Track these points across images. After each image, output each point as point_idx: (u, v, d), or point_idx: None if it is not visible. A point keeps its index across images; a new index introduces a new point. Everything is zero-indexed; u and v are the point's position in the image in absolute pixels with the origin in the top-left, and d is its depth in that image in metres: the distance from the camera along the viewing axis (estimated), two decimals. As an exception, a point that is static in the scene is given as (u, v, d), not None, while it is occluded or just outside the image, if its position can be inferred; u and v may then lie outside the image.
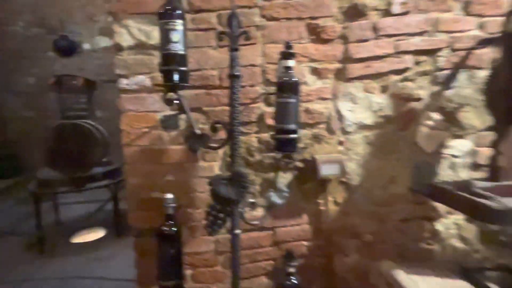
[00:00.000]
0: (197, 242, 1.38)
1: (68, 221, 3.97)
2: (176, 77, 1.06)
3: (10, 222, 3.93)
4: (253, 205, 1.13)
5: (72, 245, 3.42)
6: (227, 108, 1.21)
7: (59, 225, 3.82)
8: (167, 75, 1.07)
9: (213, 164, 1.34)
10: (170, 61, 1.05)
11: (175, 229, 1.20)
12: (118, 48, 1.32)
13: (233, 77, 1.06)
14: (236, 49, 1.05)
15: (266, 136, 1.33)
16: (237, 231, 1.08)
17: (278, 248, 1.41)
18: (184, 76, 1.08)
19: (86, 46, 5.23)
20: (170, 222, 1.20)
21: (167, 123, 1.28)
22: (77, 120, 3.54)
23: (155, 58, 1.29)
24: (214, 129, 1.11)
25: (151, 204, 1.32)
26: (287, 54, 1.08)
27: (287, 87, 1.08)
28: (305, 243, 1.41)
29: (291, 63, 1.08)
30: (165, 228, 1.19)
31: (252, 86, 1.32)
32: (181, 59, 1.06)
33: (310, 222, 1.40)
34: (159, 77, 1.25)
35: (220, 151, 1.31)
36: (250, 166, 1.33)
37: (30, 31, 5.04)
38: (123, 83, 1.33)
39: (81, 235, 3.68)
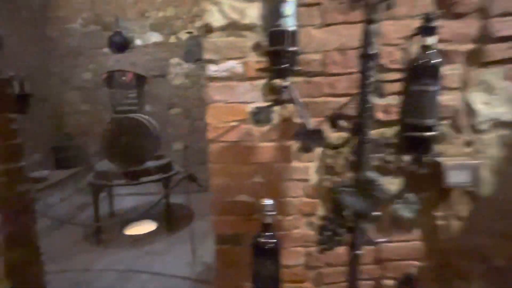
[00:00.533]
0: (285, 254, 1.20)
1: (121, 212, 4.04)
2: (285, 60, 0.87)
3: (69, 211, 4.08)
4: (377, 219, 0.91)
5: (125, 237, 3.44)
6: (329, 99, 1.00)
7: (113, 216, 3.89)
8: (275, 57, 0.88)
9: (308, 166, 1.14)
10: (280, 40, 0.86)
11: (275, 241, 1.02)
12: (208, 29, 1.15)
13: (367, 57, 0.84)
14: (373, 21, 0.83)
15: (375, 133, 1.10)
16: (359, 251, 0.87)
17: (381, 267, 1.19)
18: (295, 58, 0.89)
19: (138, 42, 5.30)
20: (269, 233, 1.01)
21: (259, 116, 1.10)
22: (133, 114, 3.55)
23: (249, 41, 1.11)
24: (333, 124, 0.91)
25: (236, 208, 1.16)
26: (427, 29, 0.84)
27: (425, 72, 0.84)
28: (416, 263, 1.18)
29: (431, 40, 0.85)
30: (264, 240, 1.01)
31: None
32: (293, 38, 0.87)
33: (424, 238, 1.16)
34: (252, 62, 1.06)
35: (317, 150, 1.11)
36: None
37: (88, 28, 5.21)
38: (212, 69, 1.16)
39: (134, 227, 3.71)
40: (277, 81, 0.90)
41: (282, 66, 0.87)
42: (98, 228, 3.17)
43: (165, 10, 5.26)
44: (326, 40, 1.07)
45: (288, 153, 1.11)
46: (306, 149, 0.88)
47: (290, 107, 1.07)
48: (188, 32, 5.28)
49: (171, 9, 5.25)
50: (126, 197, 4.42)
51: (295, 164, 1.16)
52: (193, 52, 5.32)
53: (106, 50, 5.25)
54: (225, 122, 1.15)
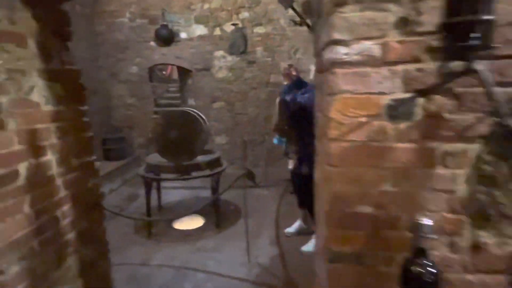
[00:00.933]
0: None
1: (168, 206, 4.05)
2: (474, 34, 0.65)
3: (119, 203, 4.16)
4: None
5: (175, 231, 3.43)
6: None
7: (161, 209, 3.90)
8: (461, 30, 0.67)
9: (457, 173, 0.91)
10: (469, 6, 0.64)
11: (436, 272, 0.79)
12: (340, 1, 0.92)
13: None
14: None
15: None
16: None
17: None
18: (490, 31, 0.67)
19: (183, 35, 5.28)
20: (427, 261, 0.80)
21: (397, 111, 0.88)
22: (186, 108, 3.49)
23: (391, 16, 0.87)
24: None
25: (358, 222, 0.96)
26: None
27: None
28: None
29: None
30: (421, 270, 0.79)
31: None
32: (487, 3, 0.65)
33: None
34: (393, 43, 0.85)
35: (471, 153, 0.87)
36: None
37: (135, 22, 5.26)
38: (341, 52, 0.92)
39: (182, 222, 3.70)
40: (456, 64, 0.68)
41: (469, 42, 0.65)
42: (149, 222, 3.16)
43: (210, 2, 5.17)
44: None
45: (431, 157, 0.88)
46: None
47: (439, 99, 0.85)
48: (233, 24, 5.16)
49: (216, 1, 5.15)
50: (172, 191, 4.43)
51: (440, 170, 0.92)
52: (237, 44, 5.20)
53: (152, 43, 5.29)
54: (353, 117, 0.93)
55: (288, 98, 2.44)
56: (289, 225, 3.10)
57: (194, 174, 3.17)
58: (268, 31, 5.18)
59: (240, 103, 5.39)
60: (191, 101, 5.63)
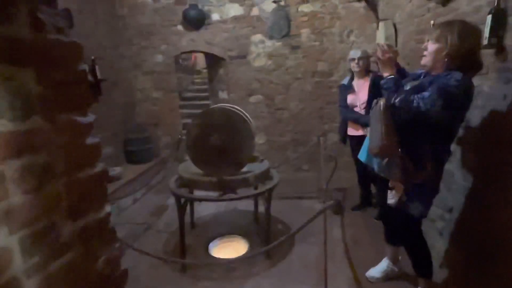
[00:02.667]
0: None
1: (203, 222, 3.36)
2: None
3: (145, 217, 3.51)
4: None
5: (214, 260, 2.74)
6: None
7: (194, 227, 3.21)
8: None
9: None
10: None
11: None
12: None
13: None
14: None
15: None
16: None
17: None
18: None
19: (215, 16, 4.51)
20: None
21: None
22: (228, 105, 2.74)
23: None
24: None
25: None
26: None
27: None
28: None
29: None
30: None
31: None
32: None
33: None
34: None
35: None
36: None
37: (160, 2, 4.53)
38: None
39: (221, 245, 3.00)
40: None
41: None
42: (185, 264, 2.45)
43: (247, -24, 4.36)
44: None
45: None
46: None
47: None
48: (274, 2, 4.33)
49: (254, -26, 4.34)
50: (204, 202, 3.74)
51: None
52: (279, 26, 4.37)
53: (179, 27, 4.57)
54: None
55: (397, 99, 1.55)
56: (369, 263, 2.31)
57: (240, 192, 2.43)
58: (315, 9, 4.32)
59: (281, 97, 4.59)
60: (222, 94, 4.89)
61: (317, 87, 4.48)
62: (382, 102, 1.62)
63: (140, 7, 4.55)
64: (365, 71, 3.01)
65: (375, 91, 2.85)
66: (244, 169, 2.59)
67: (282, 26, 4.35)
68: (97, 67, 3.70)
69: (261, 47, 4.49)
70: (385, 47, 1.67)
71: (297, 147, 4.66)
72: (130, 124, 4.65)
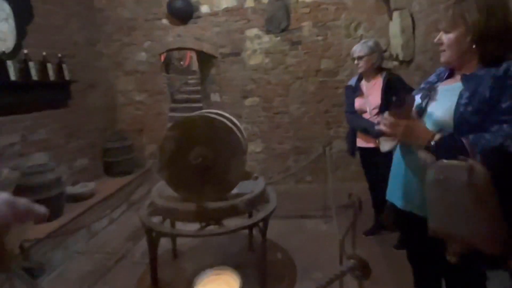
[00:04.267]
0: None
1: (186, 249, 2.83)
2: None
3: (120, 242, 2.99)
4: None
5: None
6: None
7: (177, 257, 2.69)
8: None
9: None
10: None
11: None
12: None
13: None
14: None
15: None
16: None
17: None
18: None
19: (205, 8, 3.99)
20: None
21: None
22: (213, 113, 2.21)
23: None
24: None
25: None
26: None
27: None
28: None
29: None
30: None
31: None
32: None
33: None
34: None
35: None
36: None
37: (142, -7, 4.01)
38: None
39: (208, 280, 2.47)
40: None
41: None
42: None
43: (240, -38, 3.84)
44: None
45: None
46: None
47: None
48: (272, -9, 3.80)
49: (248, -41, 3.82)
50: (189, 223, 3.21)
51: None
52: (277, 19, 3.85)
53: (164, 21, 4.04)
54: None
55: (486, 157, 0.90)
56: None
57: (227, 224, 1.90)
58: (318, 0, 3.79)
59: (280, 99, 4.06)
60: (214, 97, 4.36)
61: (321, 87, 3.95)
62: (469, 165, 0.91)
63: (120, -2, 4.02)
64: (375, 69, 2.46)
65: (389, 94, 2.33)
66: (234, 190, 2.07)
67: (281, 18, 3.83)
68: (64, 66, 3.18)
69: (257, 42, 3.96)
70: (390, 119, 1.11)
71: (298, 155, 4.13)
72: (110, 131, 4.12)
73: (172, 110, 6.59)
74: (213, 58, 4.14)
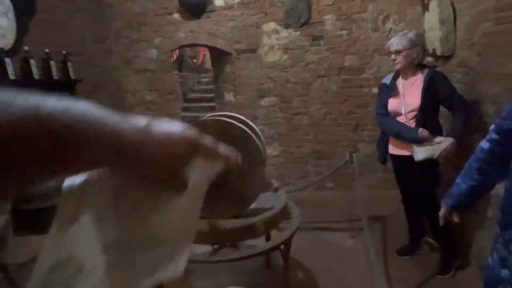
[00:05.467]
0: None
1: (197, 269, 2.58)
2: None
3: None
4: None
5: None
6: None
7: (188, 276, 2.44)
8: None
9: None
10: None
11: None
12: None
13: None
14: None
15: None
16: None
17: None
18: None
19: (219, 1, 3.71)
20: None
21: None
22: (223, 116, 1.93)
23: None
24: None
25: None
26: None
27: None
28: None
29: None
30: None
31: None
32: None
33: None
34: None
35: None
36: None
37: (153, -13, 3.77)
38: None
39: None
40: None
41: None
42: None
43: (257, -50, 3.55)
44: None
45: None
46: None
47: None
48: (292, -19, 3.49)
49: None
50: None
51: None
52: (297, 12, 3.53)
53: (176, 16, 3.79)
54: None
55: None
56: None
57: (246, 250, 1.62)
58: (343, -10, 3.46)
59: (299, 99, 3.75)
60: (229, 96, 4.09)
61: (344, 86, 3.62)
62: None
63: (130, -8, 3.80)
64: (415, 66, 2.12)
65: (431, 95, 2.02)
66: (252, 205, 1.79)
67: (301, 11, 3.51)
68: (69, 64, 2.97)
69: (275, 38, 3.66)
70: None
71: (318, 160, 3.81)
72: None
73: (185, 109, 6.39)
74: (227, 55, 3.86)
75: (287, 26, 3.60)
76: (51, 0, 2.96)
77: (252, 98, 3.85)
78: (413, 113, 2.11)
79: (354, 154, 2.73)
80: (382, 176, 3.69)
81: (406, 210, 2.44)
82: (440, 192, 2.50)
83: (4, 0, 2.48)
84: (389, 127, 2.22)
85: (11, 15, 2.53)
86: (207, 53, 7.40)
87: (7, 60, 2.39)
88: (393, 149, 2.28)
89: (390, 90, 2.21)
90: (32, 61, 2.59)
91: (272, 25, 3.64)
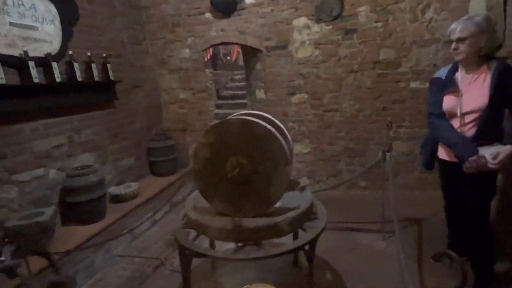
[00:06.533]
0: None
1: (224, 265, 2.63)
2: None
3: (160, 247, 2.91)
4: None
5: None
6: None
7: (215, 270, 2.50)
8: None
9: None
10: None
11: None
12: None
13: None
14: None
15: None
16: None
17: None
18: None
19: (249, -1, 3.71)
20: None
21: None
22: (248, 115, 1.94)
23: None
24: None
25: None
26: None
27: None
28: None
29: None
30: None
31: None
32: None
33: None
34: None
35: None
36: None
37: (186, -13, 3.87)
38: None
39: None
40: None
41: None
42: None
43: None
44: None
45: None
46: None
47: None
48: (323, -26, 3.38)
49: None
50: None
51: None
52: (329, 5, 3.43)
53: (207, 15, 3.86)
54: None
55: None
56: None
57: (270, 250, 1.62)
58: (378, -21, 3.29)
59: (331, 95, 3.65)
60: (260, 93, 4.10)
61: (379, 81, 3.45)
62: None
63: (164, -6, 3.94)
64: (480, 58, 1.74)
65: (500, 94, 1.66)
66: (277, 203, 1.79)
67: (333, 4, 3.40)
68: (109, 65, 3.16)
69: (306, 33, 3.59)
70: None
71: (351, 158, 3.69)
72: (155, 130, 4.11)
73: (218, 106, 6.51)
74: (257, 52, 3.86)
75: (318, 21, 3.50)
76: (92, 7, 3.16)
77: (283, 95, 3.82)
78: (472, 116, 1.73)
79: (387, 153, 2.59)
80: (420, 176, 3.48)
81: (447, 216, 2.25)
82: (496, 206, 2.24)
83: (51, 9, 2.69)
84: (443, 134, 1.85)
85: (57, 22, 2.75)
86: (241, 50, 7.46)
87: (54, 64, 2.60)
88: (444, 154, 1.95)
89: (446, 86, 1.83)
90: (75, 64, 2.79)
91: (303, 20, 3.56)
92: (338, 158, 3.74)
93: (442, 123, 1.85)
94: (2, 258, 2.02)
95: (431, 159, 2.03)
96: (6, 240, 1.92)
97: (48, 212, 2.32)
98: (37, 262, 1.91)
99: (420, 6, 3.22)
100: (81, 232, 2.58)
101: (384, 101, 3.47)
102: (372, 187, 3.62)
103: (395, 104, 3.43)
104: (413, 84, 3.37)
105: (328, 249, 2.59)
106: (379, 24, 3.34)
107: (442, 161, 1.98)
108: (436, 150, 1.99)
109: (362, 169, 3.12)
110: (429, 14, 3.21)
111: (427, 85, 3.31)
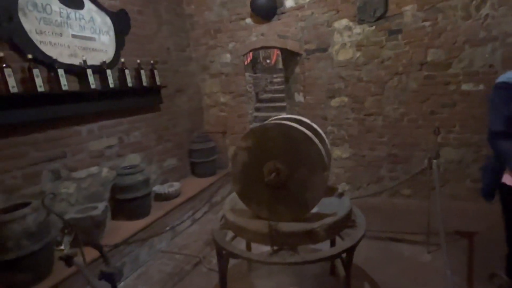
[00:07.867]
0: None
1: (260, 267, 2.66)
2: None
3: (199, 245, 3.02)
4: None
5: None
6: None
7: (251, 272, 2.54)
8: None
9: None
10: None
11: None
12: None
13: None
14: None
15: None
16: None
17: None
18: None
19: (289, 3, 3.73)
20: None
21: None
22: (287, 120, 1.95)
23: None
24: None
25: None
26: None
27: None
28: None
29: None
30: None
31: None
32: None
33: None
34: None
35: None
36: None
37: (228, -5, 3.99)
38: None
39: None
40: None
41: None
42: None
43: None
44: None
45: None
46: None
47: None
48: (366, -26, 3.29)
49: None
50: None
51: None
52: (372, 6, 3.32)
53: (248, 20, 3.94)
54: None
55: None
56: None
57: (303, 253, 1.62)
58: (426, -24, 3.11)
59: (373, 98, 3.52)
60: (298, 97, 4.08)
61: (426, 84, 3.26)
62: None
63: (207, 2, 4.09)
64: None
65: None
66: (314, 209, 1.77)
67: (376, 4, 3.28)
68: (156, 72, 3.36)
69: (347, 35, 3.51)
70: None
71: (394, 165, 3.52)
72: (196, 133, 4.28)
73: (257, 109, 6.60)
74: (297, 55, 3.86)
75: (360, 22, 3.41)
76: (142, 17, 3.39)
77: (322, 98, 3.77)
78: None
79: (434, 160, 2.44)
80: (472, 186, 3.22)
81: (507, 237, 1.95)
82: None
83: (107, 21, 2.94)
84: (509, 154, 1.50)
85: (112, 33, 2.99)
86: (280, 53, 7.48)
87: (108, 71, 2.83)
88: (508, 179, 1.60)
89: None
90: (127, 71, 3.01)
91: (344, 22, 3.49)
92: (379, 164, 3.59)
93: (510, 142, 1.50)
94: (62, 247, 2.24)
95: (492, 187, 1.70)
96: (66, 231, 2.13)
97: (101, 207, 2.53)
98: (90, 253, 2.10)
99: (474, 3, 2.99)
100: (128, 227, 2.77)
101: (431, 105, 3.27)
102: (417, 196, 3.42)
103: (445, 108, 3.22)
104: (465, 87, 3.13)
105: (367, 259, 2.50)
106: (427, 23, 3.16)
107: (506, 187, 1.61)
108: (499, 178, 1.65)
109: (406, 176, 2.96)
110: (485, 11, 2.97)
111: (481, 87, 3.07)
